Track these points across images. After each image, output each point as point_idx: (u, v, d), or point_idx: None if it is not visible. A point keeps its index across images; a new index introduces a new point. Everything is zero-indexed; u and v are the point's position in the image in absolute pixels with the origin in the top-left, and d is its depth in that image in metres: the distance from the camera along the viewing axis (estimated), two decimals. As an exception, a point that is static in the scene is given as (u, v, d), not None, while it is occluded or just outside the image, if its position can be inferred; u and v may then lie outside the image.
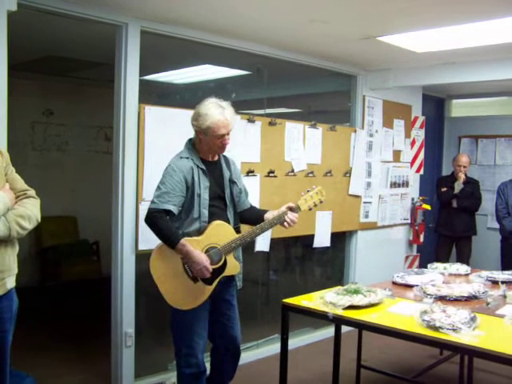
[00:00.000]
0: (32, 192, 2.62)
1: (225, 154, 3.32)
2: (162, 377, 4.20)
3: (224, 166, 3.27)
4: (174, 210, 3.00)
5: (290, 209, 3.26)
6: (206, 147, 3.16)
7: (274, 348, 4.56)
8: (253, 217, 3.35)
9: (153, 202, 3.03)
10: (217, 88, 4.96)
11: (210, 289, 3.11)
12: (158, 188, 3.05)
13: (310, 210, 3.41)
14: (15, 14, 3.10)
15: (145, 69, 3.91)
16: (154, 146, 3.87)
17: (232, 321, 3.36)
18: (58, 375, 4.26)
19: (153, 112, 3.88)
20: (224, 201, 3.21)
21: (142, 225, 3.78)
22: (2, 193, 2.42)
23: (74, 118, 7.30)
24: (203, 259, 2.98)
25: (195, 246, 3.02)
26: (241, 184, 3.38)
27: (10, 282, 2.52)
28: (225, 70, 4.99)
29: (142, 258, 4.00)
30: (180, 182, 3.02)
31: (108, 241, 4.06)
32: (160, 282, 3.04)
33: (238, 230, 3.25)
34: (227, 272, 3.16)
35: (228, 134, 3.12)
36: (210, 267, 3.02)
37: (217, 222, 3.11)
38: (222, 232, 3.13)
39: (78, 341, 5.09)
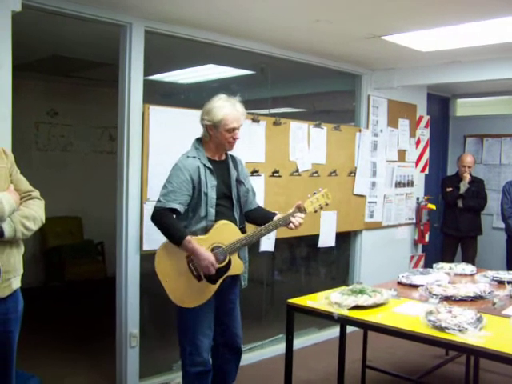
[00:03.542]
0: (36, 193, 2.63)
1: (232, 153, 3.35)
2: (167, 377, 4.20)
3: (231, 165, 3.29)
4: (180, 208, 3.03)
5: (299, 208, 3.26)
6: (215, 144, 3.18)
7: (279, 348, 4.55)
8: (260, 217, 3.36)
9: (159, 200, 3.06)
10: (221, 88, 4.91)
11: (214, 287, 3.13)
12: (165, 187, 3.08)
13: (316, 212, 3.41)
14: (19, 14, 3.10)
15: (149, 69, 3.91)
16: (158, 146, 3.87)
17: (233, 319, 3.39)
18: (63, 375, 4.27)
19: (157, 112, 3.88)
20: (231, 200, 3.22)
21: (147, 225, 3.82)
22: (8, 194, 2.42)
23: (78, 118, 7.31)
24: (209, 255, 3.01)
25: (201, 244, 3.04)
26: (248, 184, 3.40)
27: (16, 283, 2.53)
28: (229, 70, 4.98)
29: (147, 258, 4.00)
30: (186, 181, 3.04)
31: (113, 241, 4.05)
32: (164, 280, 3.06)
33: (243, 230, 3.26)
34: (231, 271, 3.17)
35: (238, 128, 3.16)
36: (216, 263, 3.04)
37: (222, 222, 3.13)
38: (227, 231, 3.14)
39: (83, 341, 5.09)
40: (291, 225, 3.22)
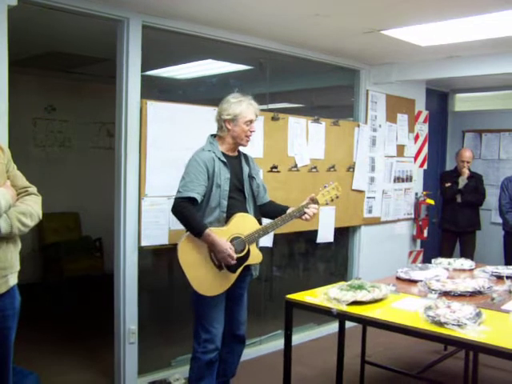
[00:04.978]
0: (33, 189, 2.61)
1: (243, 151, 3.48)
2: (165, 373, 4.19)
3: (243, 161, 3.43)
4: (198, 197, 3.16)
5: (312, 200, 3.39)
6: (232, 138, 3.32)
7: (278, 344, 4.55)
8: (273, 211, 3.50)
9: (178, 191, 3.20)
10: (219, 83, 4.94)
11: (234, 276, 3.27)
12: (183, 178, 3.21)
13: (327, 204, 3.54)
14: (16, 8, 3.08)
15: (147, 64, 3.89)
16: (156, 141, 3.86)
17: (241, 307, 3.52)
18: (61, 372, 4.26)
19: (155, 107, 3.87)
20: (243, 194, 3.34)
21: (145, 221, 3.82)
22: (4, 190, 2.40)
23: (76, 114, 7.29)
24: (227, 247, 3.14)
25: (220, 236, 3.17)
26: (259, 179, 3.55)
27: (13, 279, 2.51)
28: (227, 65, 4.96)
29: (145, 254, 4.00)
30: (203, 172, 3.18)
31: (111, 237, 4.05)
32: (187, 269, 3.17)
33: (259, 222, 3.39)
34: (250, 261, 3.32)
35: (254, 122, 3.35)
36: (235, 255, 3.16)
37: (241, 214, 3.27)
38: (245, 223, 3.29)
39: (81, 337, 5.09)
40: (306, 215, 3.36)
